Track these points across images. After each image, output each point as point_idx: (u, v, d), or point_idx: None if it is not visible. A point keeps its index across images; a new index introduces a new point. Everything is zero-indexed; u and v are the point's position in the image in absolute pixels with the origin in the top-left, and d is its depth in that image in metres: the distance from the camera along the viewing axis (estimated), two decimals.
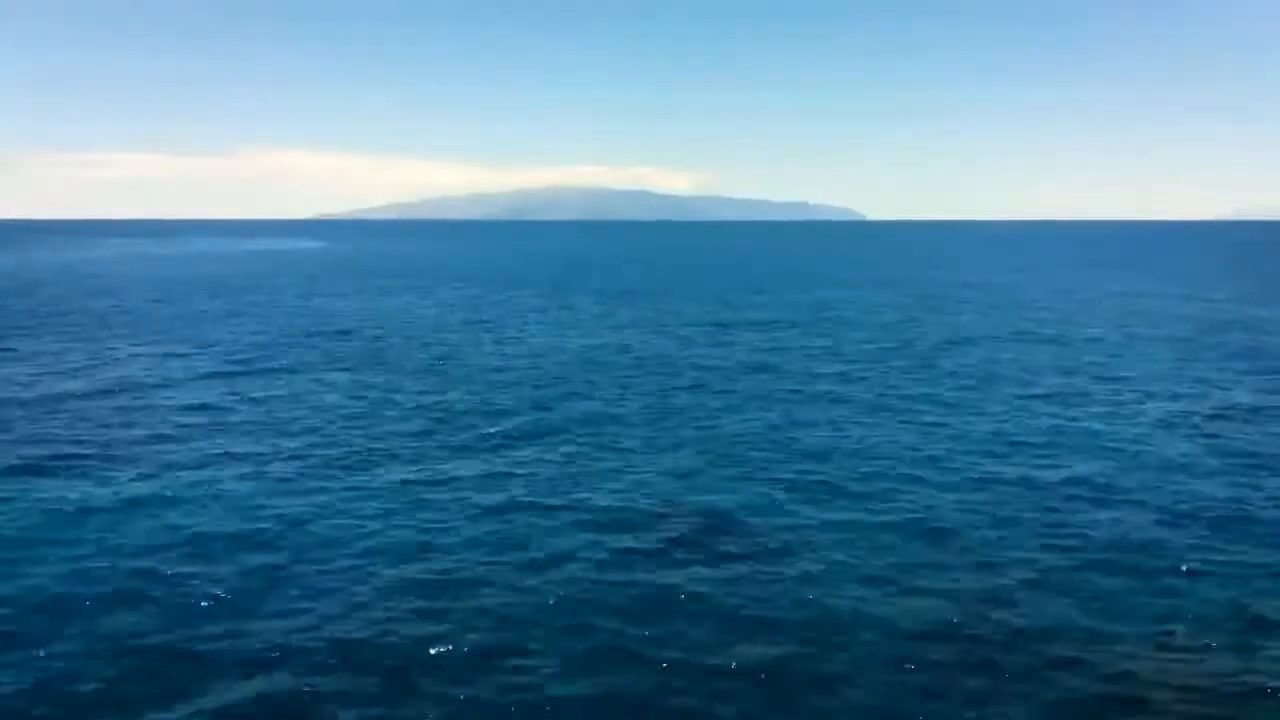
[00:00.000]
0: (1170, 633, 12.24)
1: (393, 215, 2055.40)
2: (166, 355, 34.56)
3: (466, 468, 19.77)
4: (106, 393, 27.32)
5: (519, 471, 19.53)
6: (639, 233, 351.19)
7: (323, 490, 18.10)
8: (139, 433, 22.57)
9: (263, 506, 17.11)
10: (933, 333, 41.87)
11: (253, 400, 26.42)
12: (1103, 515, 16.61)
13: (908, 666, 11.34)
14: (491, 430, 22.92)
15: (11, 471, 19.17)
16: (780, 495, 18.01)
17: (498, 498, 17.90)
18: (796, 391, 27.79)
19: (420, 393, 27.74)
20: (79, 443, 21.56)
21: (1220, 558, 14.70)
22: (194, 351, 35.42)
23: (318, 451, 20.88)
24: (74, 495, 17.72)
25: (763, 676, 11.17)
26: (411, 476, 19.12)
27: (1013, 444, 21.46)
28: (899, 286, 69.52)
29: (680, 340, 39.26)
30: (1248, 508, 17.00)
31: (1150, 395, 27.07)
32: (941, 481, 18.80)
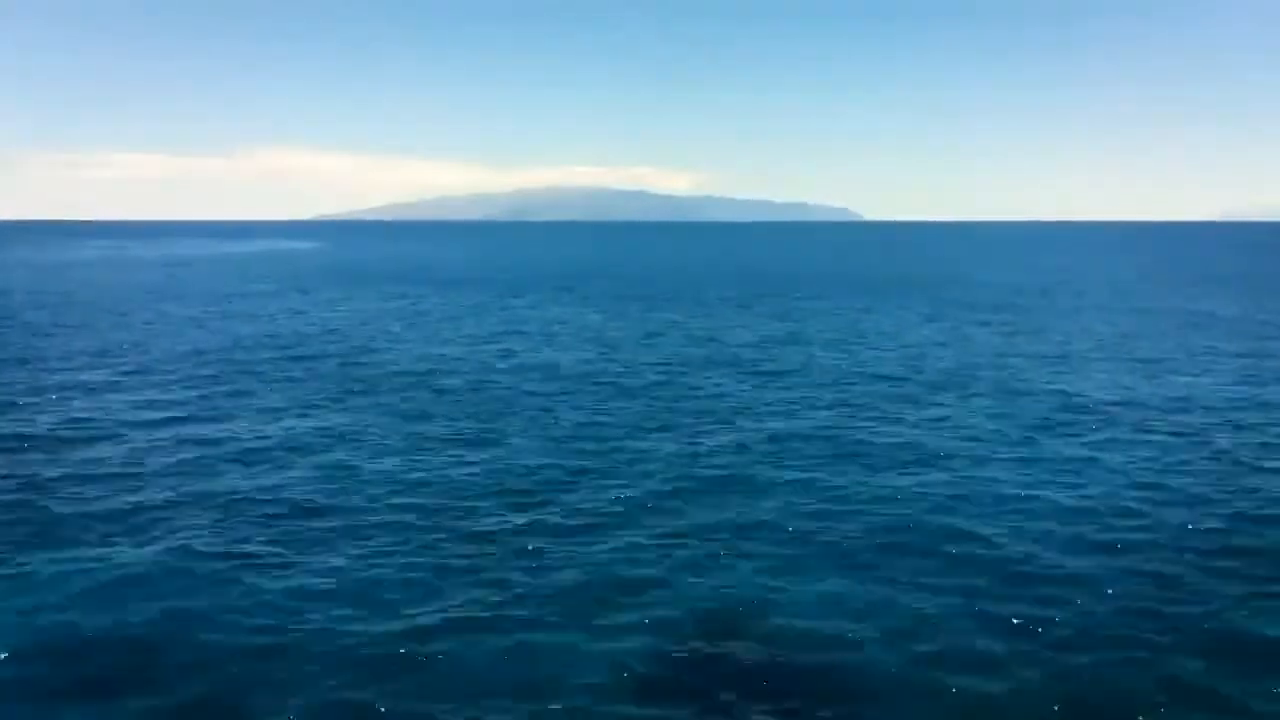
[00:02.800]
0: None
1: (393, 215, 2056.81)
2: (83, 389, 28.41)
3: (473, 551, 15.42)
4: None
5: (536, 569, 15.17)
6: (641, 234, 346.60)
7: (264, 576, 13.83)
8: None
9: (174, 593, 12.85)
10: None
11: (182, 452, 21.70)
12: None
13: None
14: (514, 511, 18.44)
15: None
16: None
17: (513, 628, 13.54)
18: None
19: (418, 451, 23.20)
20: None
21: None
22: (127, 383, 29.43)
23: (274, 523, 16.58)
24: None
25: None
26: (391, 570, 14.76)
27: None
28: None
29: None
30: None
31: None
32: None
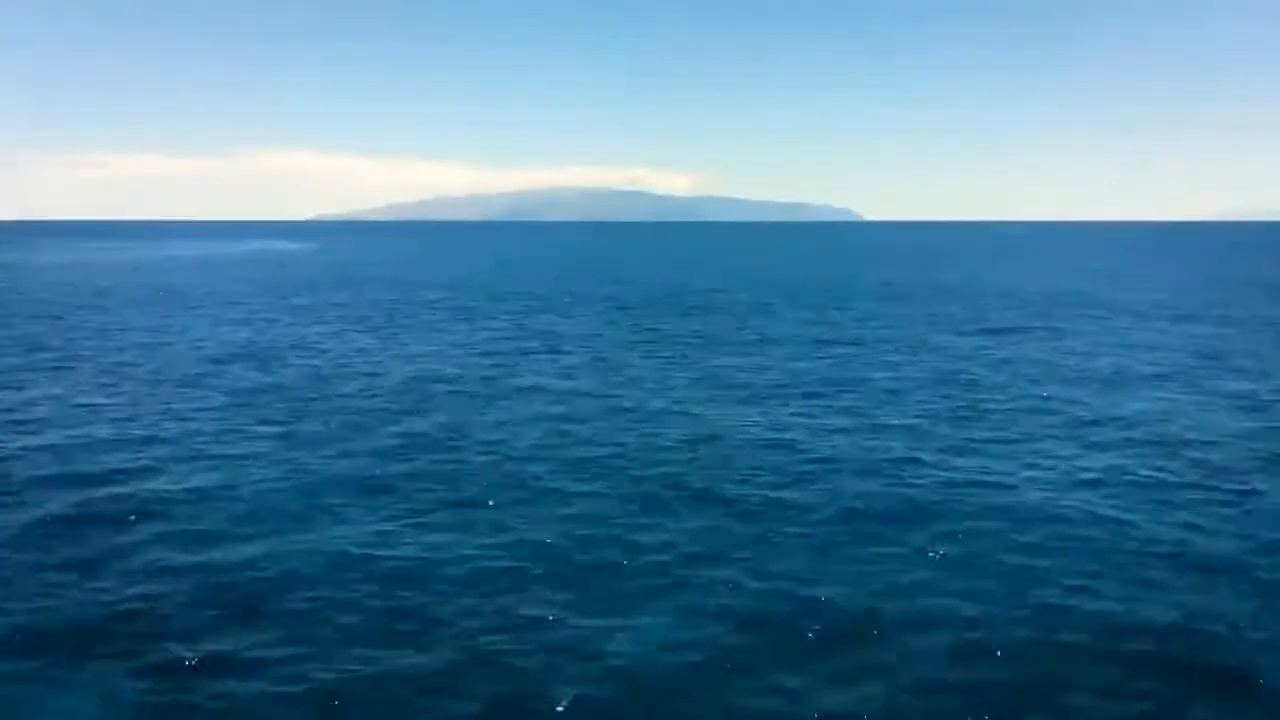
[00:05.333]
0: None
1: (391, 216, 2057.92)
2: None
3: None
4: None
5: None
6: (649, 235, 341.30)
7: None
8: None
9: None
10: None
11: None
12: None
13: None
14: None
15: None
16: None
17: None
18: None
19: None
20: None
21: None
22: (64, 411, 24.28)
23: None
24: None
25: None
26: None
27: None
28: None
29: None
30: None
31: None
32: None
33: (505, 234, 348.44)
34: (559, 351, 35.08)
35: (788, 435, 21.38)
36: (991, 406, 24.68)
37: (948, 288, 69.96)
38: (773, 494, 17.04)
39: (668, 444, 20.67)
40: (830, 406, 24.69)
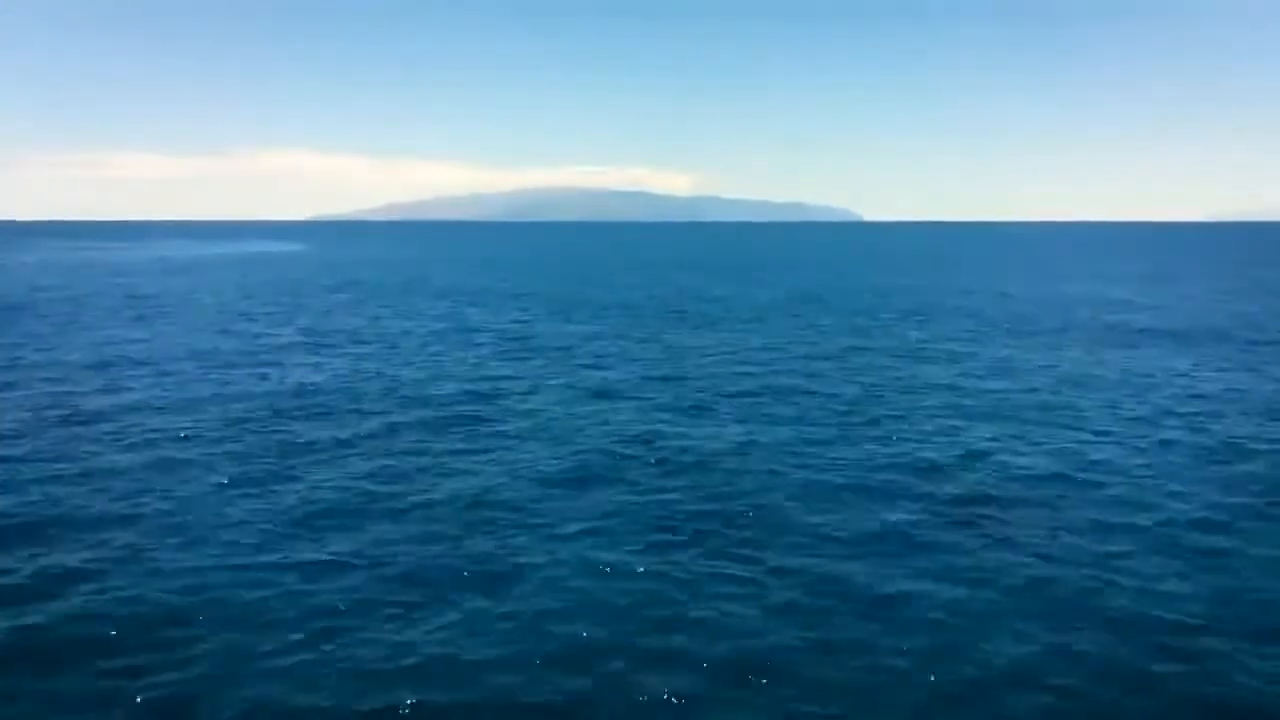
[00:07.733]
0: None
1: (391, 216, 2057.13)
2: None
3: None
4: None
5: None
6: (646, 235, 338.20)
7: None
8: None
9: None
10: None
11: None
12: None
13: None
14: None
15: None
16: None
17: None
18: None
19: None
20: None
21: None
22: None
23: None
24: None
25: None
26: None
27: None
28: None
29: None
30: None
31: None
32: None
33: (504, 235, 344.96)
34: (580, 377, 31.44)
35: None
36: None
37: (980, 294, 66.19)
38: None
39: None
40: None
